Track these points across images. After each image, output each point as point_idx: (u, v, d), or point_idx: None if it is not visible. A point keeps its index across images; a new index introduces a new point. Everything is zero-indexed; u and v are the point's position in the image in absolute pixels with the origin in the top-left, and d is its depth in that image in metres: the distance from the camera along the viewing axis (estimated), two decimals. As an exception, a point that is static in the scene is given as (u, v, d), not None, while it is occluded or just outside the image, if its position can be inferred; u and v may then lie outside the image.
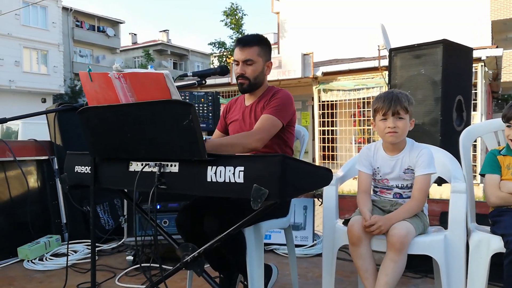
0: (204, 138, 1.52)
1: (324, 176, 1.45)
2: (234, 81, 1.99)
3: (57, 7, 23.23)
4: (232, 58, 1.96)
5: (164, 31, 34.18)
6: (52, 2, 22.31)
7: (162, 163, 1.40)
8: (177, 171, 1.38)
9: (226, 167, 1.28)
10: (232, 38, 18.34)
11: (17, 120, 1.90)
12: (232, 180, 1.26)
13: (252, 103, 1.96)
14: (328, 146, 9.97)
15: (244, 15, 18.44)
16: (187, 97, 2.88)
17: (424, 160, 1.68)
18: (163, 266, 2.37)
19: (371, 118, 1.80)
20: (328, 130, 9.97)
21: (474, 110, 8.20)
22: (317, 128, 10.21)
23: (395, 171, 1.74)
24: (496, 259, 1.56)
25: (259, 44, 1.90)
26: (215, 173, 1.29)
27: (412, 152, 1.72)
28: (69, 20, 26.15)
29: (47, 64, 22.96)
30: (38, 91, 22.36)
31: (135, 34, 36.01)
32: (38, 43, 22.28)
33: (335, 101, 9.88)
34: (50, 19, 22.83)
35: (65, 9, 25.02)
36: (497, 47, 9.01)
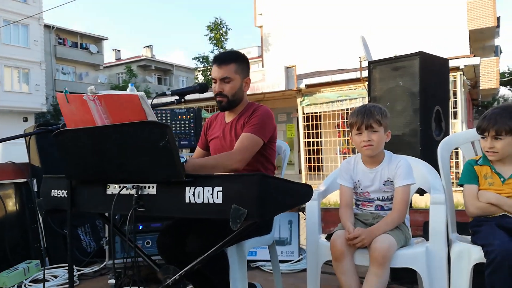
0: (184, 159, 1.52)
1: (304, 193, 1.45)
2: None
3: (38, 25, 23.06)
4: None
5: (148, 46, 34.20)
6: (33, 20, 22.12)
7: (140, 185, 1.39)
8: (155, 193, 1.37)
9: (205, 187, 1.27)
10: (213, 53, 18.41)
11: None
12: (211, 201, 1.25)
13: (232, 120, 1.96)
14: (314, 158, 10.01)
15: (229, 29, 18.59)
16: (168, 115, 2.86)
17: (402, 171, 1.70)
18: (147, 288, 2.32)
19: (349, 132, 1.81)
20: (313, 142, 10.03)
21: (455, 118, 8.36)
22: (302, 140, 10.27)
23: (375, 184, 1.76)
24: (480, 267, 1.57)
25: (236, 61, 1.89)
26: (193, 194, 1.28)
27: (391, 164, 1.74)
28: (51, 38, 25.96)
29: (29, 83, 22.67)
30: (19, 110, 22.00)
31: (118, 50, 35.92)
32: (19, 61, 22.02)
33: (319, 112, 9.98)
34: (31, 37, 22.63)
35: (47, 27, 24.85)
36: (474, 55, 9.26)
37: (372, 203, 1.78)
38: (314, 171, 10.02)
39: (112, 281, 2.46)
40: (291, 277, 2.63)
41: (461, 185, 1.79)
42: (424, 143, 2.71)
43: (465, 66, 8.57)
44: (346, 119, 9.36)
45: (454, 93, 8.25)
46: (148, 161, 1.34)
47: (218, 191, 1.24)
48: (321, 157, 10.04)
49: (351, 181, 1.81)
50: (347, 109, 9.31)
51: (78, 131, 1.46)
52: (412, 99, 2.79)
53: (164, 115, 2.84)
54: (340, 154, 9.91)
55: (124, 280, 2.43)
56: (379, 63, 3.09)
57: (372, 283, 1.53)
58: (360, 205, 1.82)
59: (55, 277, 2.70)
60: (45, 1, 23.34)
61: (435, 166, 1.93)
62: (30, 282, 2.64)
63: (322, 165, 10.01)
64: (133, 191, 1.39)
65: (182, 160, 1.52)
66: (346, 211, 1.75)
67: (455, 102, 8.33)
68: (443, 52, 3.11)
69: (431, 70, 2.91)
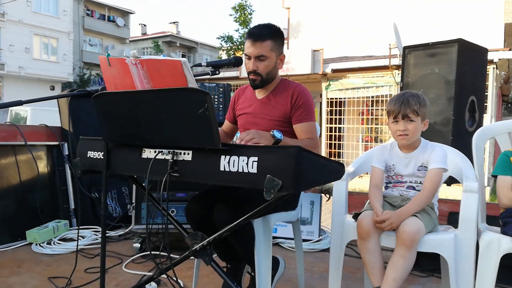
0: (281, 135, 1.62)
1: (337, 170, 1.45)
2: (243, 74, 1.96)
3: (68, -5, 23.33)
4: (241, 53, 1.93)
5: (174, 23, 34.18)
6: (63, -10, 22.40)
7: (176, 150, 1.41)
8: (190, 159, 1.39)
9: (240, 157, 1.27)
10: (237, 31, 18.44)
11: (28, 104, 1.91)
12: (246, 170, 1.26)
13: (265, 97, 1.92)
14: (335, 143, 9.94)
15: (253, 11, 18.49)
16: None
17: (437, 155, 1.69)
18: (170, 255, 2.39)
19: (386, 118, 1.80)
20: (335, 128, 9.94)
21: (484, 112, 8.12)
22: (324, 125, 10.18)
23: (409, 168, 1.75)
24: (505, 260, 1.55)
25: (272, 37, 1.79)
26: (228, 162, 1.29)
27: (427, 150, 1.73)
28: (80, 9, 26.23)
29: (57, 52, 23.09)
30: (47, 78, 22.50)
31: (144, 25, 36.06)
32: (48, 30, 22.39)
33: (344, 98, 9.83)
34: (61, 6, 22.91)
35: (76, -3, 25.11)
36: (510, 49, 8.91)
37: (404, 183, 1.78)
38: (334, 157, 9.95)
39: (137, 245, 2.54)
40: (311, 256, 2.66)
41: (495, 176, 1.76)
42: (456, 132, 2.65)
43: (499, 59, 8.27)
44: (371, 106, 9.22)
45: (486, 87, 8.00)
46: (185, 127, 1.35)
47: (253, 161, 1.25)
48: (342, 144, 9.95)
49: (384, 164, 1.80)
50: (372, 97, 9.13)
51: (117, 94, 1.48)
52: (447, 87, 2.73)
53: (194, 88, 2.85)
54: (362, 142, 9.80)
55: (149, 245, 2.51)
56: (414, 49, 3.01)
57: (398, 264, 1.53)
58: (391, 186, 1.81)
59: (83, 237, 2.81)
60: (75, -29, 23.45)
61: (467, 156, 1.89)
62: (58, 240, 2.76)
63: (342, 152, 9.93)
64: (168, 157, 1.41)
65: (279, 136, 1.63)
66: (375, 191, 1.74)
67: (486, 96, 8.07)
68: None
69: (469, 59, 2.83)
